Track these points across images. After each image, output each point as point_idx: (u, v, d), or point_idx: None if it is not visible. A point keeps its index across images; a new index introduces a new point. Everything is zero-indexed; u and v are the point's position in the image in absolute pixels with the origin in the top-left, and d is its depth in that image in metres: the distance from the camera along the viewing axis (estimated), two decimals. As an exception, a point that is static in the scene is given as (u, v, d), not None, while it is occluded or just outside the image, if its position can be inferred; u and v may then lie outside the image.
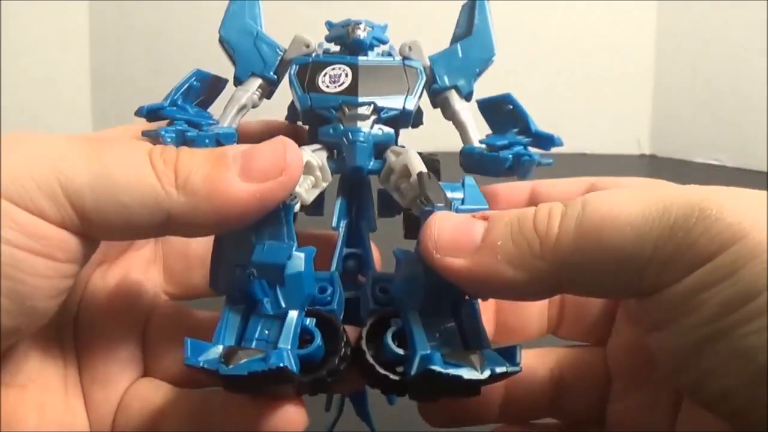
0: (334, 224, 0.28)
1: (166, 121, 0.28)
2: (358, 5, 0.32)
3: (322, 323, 0.24)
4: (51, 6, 1.14)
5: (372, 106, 0.28)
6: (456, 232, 0.23)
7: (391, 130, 0.28)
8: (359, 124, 0.27)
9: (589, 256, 0.21)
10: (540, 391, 0.29)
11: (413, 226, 0.29)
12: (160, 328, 0.28)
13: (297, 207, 0.25)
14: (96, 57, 1.23)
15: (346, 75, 0.29)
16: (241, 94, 0.30)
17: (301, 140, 0.27)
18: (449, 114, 0.30)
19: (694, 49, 1.19)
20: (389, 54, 0.30)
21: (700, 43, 1.18)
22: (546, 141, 0.28)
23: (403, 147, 0.28)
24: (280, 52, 0.30)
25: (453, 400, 0.27)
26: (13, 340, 0.24)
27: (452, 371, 0.22)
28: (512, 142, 0.28)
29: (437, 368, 0.22)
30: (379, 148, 0.28)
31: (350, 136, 0.27)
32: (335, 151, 0.28)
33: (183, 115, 0.28)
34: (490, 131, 0.30)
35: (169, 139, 0.26)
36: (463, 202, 0.25)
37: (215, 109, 0.31)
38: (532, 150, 0.28)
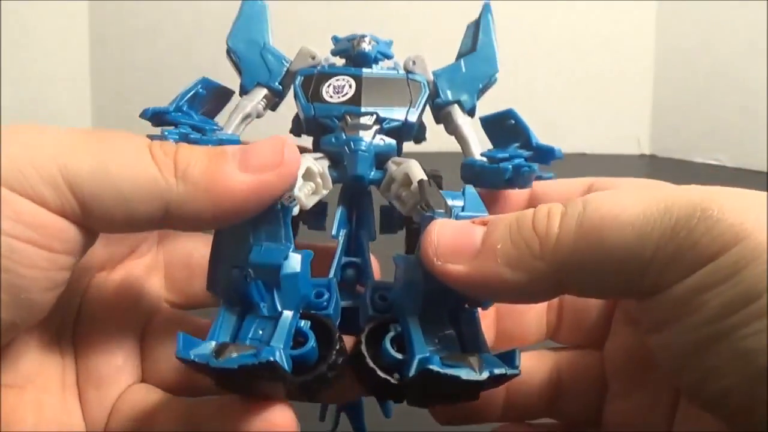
0: (333, 233, 0.28)
1: (171, 127, 0.28)
2: (363, 27, 0.32)
3: (317, 327, 0.24)
4: (51, 6, 1.14)
5: (374, 116, 0.28)
6: (456, 238, 0.23)
7: (393, 141, 0.28)
8: (361, 133, 0.28)
9: (589, 256, 0.21)
10: (539, 392, 0.29)
11: (415, 241, 0.29)
12: (158, 333, 0.28)
13: (296, 210, 0.25)
14: (96, 57, 1.24)
15: (350, 86, 0.29)
16: (246, 103, 0.30)
17: None
18: (452, 129, 0.30)
19: (694, 49, 1.19)
20: (394, 69, 0.30)
21: (700, 43, 1.18)
22: (547, 154, 0.28)
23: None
24: (285, 64, 0.31)
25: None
26: (11, 336, 0.24)
27: (450, 371, 0.22)
28: (513, 155, 0.28)
29: (435, 368, 0.22)
30: (381, 158, 0.28)
31: (352, 145, 0.27)
32: (338, 161, 0.28)
33: (188, 120, 0.28)
34: (492, 147, 0.30)
35: (172, 140, 0.26)
36: (463, 209, 0.25)
37: (220, 119, 0.31)
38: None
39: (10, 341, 0.25)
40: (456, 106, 0.30)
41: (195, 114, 0.29)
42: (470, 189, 0.26)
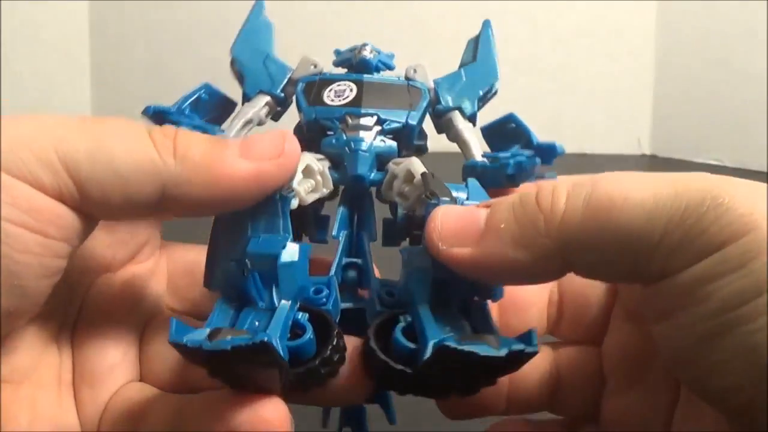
0: (334, 233, 0.28)
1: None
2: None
3: (317, 323, 0.24)
4: (51, 6, 1.15)
5: (375, 117, 0.28)
6: (459, 221, 0.23)
7: (394, 143, 0.28)
8: (362, 134, 0.28)
9: (596, 235, 0.20)
10: (539, 387, 0.29)
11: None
12: (157, 334, 0.28)
13: (294, 204, 0.25)
14: (96, 57, 1.24)
15: (351, 90, 0.29)
16: (248, 109, 0.30)
17: None
18: (453, 134, 0.30)
19: (694, 49, 1.19)
20: (395, 78, 0.31)
21: (700, 43, 1.18)
22: (548, 151, 0.28)
23: None
24: (288, 72, 0.31)
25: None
26: (8, 327, 0.23)
27: (468, 347, 0.21)
28: (514, 154, 0.28)
29: (452, 345, 0.21)
30: (382, 159, 0.28)
31: (352, 145, 0.27)
32: (339, 162, 0.28)
33: (190, 121, 0.28)
34: (494, 152, 0.30)
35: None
36: (467, 198, 0.25)
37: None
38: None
39: (9, 336, 0.24)
40: (457, 112, 0.30)
41: (198, 118, 0.29)
42: (473, 181, 0.26)
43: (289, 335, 0.23)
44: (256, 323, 0.23)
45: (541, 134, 0.29)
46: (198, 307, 0.30)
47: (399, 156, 0.29)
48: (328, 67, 0.31)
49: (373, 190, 0.29)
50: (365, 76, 0.30)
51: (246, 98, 0.31)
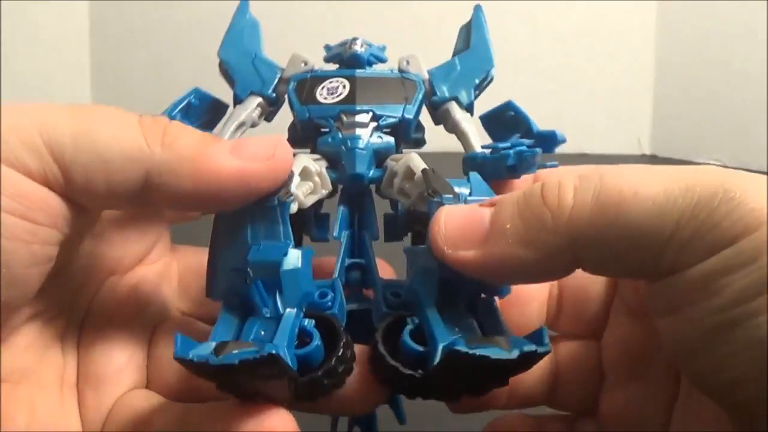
0: (335, 234, 0.28)
1: None
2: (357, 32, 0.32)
3: (324, 329, 0.23)
4: (51, 6, 1.15)
5: (371, 113, 0.28)
6: (464, 223, 0.22)
7: (391, 139, 0.28)
8: (358, 131, 0.27)
9: (606, 230, 0.20)
10: (539, 381, 0.29)
11: (421, 242, 0.28)
12: (165, 339, 0.28)
13: (294, 208, 0.25)
14: (96, 57, 1.24)
15: (344, 86, 0.29)
16: (240, 112, 0.30)
17: None
18: (450, 125, 0.30)
19: (694, 49, 1.19)
20: (388, 71, 0.30)
21: (700, 43, 1.18)
22: (549, 139, 0.28)
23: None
24: (278, 72, 0.31)
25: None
26: (2, 318, 0.23)
27: (479, 351, 0.20)
28: (515, 144, 0.27)
29: (462, 349, 0.20)
30: (379, 156, 0.28)
31: (349, 144, 0.27)
32: (336, 161, 0.28)
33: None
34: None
35: None
36: (470, 194, 0.24)
37: (213, 131, 0.31)
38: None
39: (7, 334, 0.24)
40: (453, 102, 0.30)
41: (189, 124, 0.29)
42: (475, 175, 0.25)
43: (296, 342, 0.22)
44: (262, 333, 0.23)
45: (540, 132, 0.29)
46: (209, 310, 0.30)
47: (397, 151, 0.28)
48: (319, 63, 0.31)
49: (373, 187, 0.29)
50: (357, 71, 0.29)
51: (237, 100, 0.30)
